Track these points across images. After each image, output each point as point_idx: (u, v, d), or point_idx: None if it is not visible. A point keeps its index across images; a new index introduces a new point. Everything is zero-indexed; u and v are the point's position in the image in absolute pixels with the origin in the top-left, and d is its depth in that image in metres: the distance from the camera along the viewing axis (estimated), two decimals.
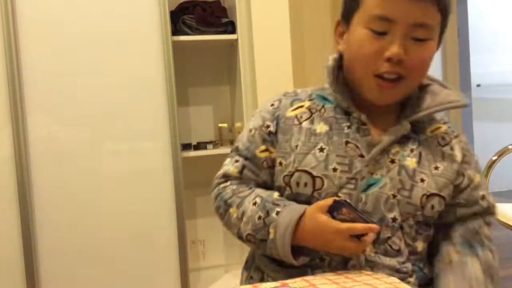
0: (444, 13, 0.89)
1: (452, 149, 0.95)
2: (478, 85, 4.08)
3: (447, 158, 0.94)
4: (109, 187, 1.99)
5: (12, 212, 1.89)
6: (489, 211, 0.97)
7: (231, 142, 2.37)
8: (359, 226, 0.82)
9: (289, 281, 0.81)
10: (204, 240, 2.52)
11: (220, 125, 2.41)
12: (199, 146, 2.28)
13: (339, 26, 0.97)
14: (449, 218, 0.96)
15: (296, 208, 0.89)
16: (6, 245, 1.91)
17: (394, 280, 0.83)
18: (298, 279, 0.81)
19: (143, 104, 2.00)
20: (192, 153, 2.22)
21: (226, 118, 2.49)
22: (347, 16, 0.93)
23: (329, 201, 0.85)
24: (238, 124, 2.29)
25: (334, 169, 0.90)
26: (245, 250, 1.06)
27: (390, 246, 0.90)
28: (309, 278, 0.80)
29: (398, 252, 0.91)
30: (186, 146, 2.28)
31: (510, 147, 2.03)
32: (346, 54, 0.95)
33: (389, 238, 0.90)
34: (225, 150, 2.29)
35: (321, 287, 0.77)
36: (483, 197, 0.96)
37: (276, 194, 0.95)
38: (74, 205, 1.97)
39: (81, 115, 1.94)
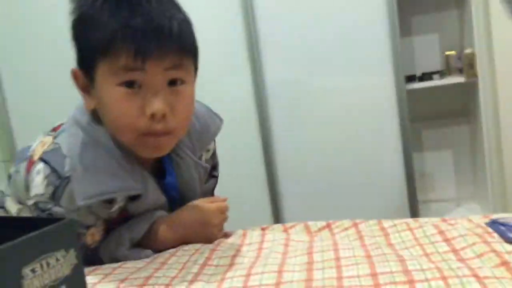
0: (193, 52, 0.82)
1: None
2: None
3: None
4: (336, 122, 2.07)
5: (254, 138, 2.19)
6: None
7: (460, 71, 2.16)
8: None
9: None
10: (432, 173, 2.42)
11: (447, 53, 2.22)
12: (424, 77, 2.18)
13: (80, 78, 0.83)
14: None
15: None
16: (252, 175, 2.26)
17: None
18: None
19: (364, 36, 1.97)
20: (417, 85, 2.14)
21: (454, 45, 2.27)
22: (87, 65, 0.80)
23: None
24: (468, 51, 2.07)
25: None
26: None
27: None
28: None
29: None
30: (411, 78, 2.21)
31: None
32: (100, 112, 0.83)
33: None
34: (454, 80, 2.12)
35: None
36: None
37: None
38: (308, 138, 2.14)
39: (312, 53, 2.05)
